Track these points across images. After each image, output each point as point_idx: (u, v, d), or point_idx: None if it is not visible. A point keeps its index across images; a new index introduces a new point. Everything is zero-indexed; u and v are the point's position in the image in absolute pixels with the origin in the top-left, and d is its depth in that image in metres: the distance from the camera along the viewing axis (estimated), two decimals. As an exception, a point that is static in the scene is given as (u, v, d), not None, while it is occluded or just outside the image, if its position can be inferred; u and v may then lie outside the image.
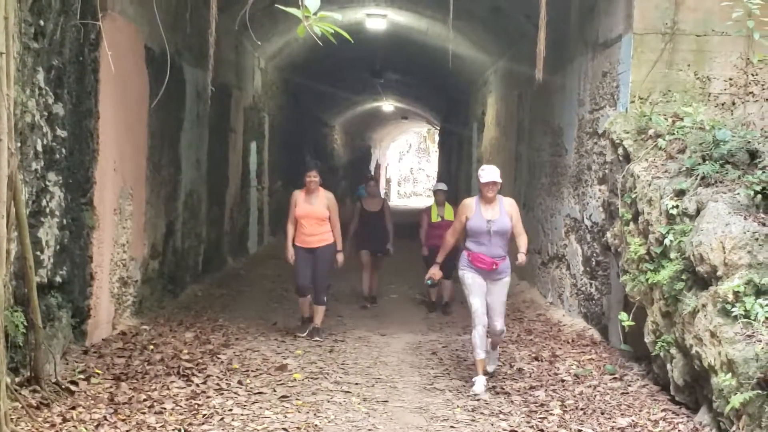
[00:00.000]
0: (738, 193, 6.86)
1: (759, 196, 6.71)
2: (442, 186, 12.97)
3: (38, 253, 7.08)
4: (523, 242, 8.40)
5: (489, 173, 8.14)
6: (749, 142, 7.50)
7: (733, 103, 8.95)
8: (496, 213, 8.14)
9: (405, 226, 17.31)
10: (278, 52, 19.14)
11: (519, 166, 15.29)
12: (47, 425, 6.11)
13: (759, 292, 6.16)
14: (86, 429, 6.17)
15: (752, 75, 8.94)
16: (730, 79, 8.95)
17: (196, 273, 13.14)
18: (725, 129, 7.65)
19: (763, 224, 6.52)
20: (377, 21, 17.78)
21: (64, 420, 6.27)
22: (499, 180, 8.14)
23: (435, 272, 8.71)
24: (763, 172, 6.91)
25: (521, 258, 8.38)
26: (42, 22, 7.00)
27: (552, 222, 12.43)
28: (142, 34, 9.76)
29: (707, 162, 7.36)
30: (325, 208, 10.20)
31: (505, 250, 8.29)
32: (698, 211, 7.00)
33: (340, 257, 10.46)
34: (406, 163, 57.57)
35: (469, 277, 8.21)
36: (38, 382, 6.64)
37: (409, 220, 17.92)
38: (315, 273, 10.14)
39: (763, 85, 8.92)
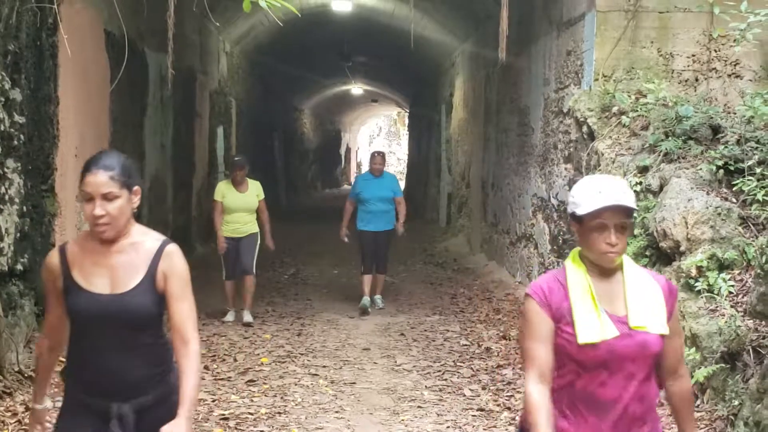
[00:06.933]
0: (700, 169, 6.89)
1: (721, 171, 6.75)
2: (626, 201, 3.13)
3: (-2, 240, 6.98)
4: None
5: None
6: (712, 117, 7.53)
7: (696, 80, 8.97)
8: None
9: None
10: (244, 36, 18.99)
11: (487, 147, 15.28)
12: (9, 414, 6.04)
13: (722, 266, 6.19)
14: (50, 418, 6.10)
15: (715, 51, 8.95)
16: (693, 55, 8.96)
17: (164, 259, 13.02)
18: (688, 105, 7.69)
19: (726, 199, 6.55)
20: (343, 3, 17.65)
21: (27, 409, 6.18)
22: None
23: None
24: (726, 147, 6.94)
25: None
26: (-4, 6, 6.88)
27: (519, 201, 12.44)
28: (102, 18, 9.61)
29: (670, 138, 7.39)
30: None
31: None
32: (661, 187, 7.02)
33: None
34: (377, 147, 57.51)
35: None
36: (0, 371, 6.56)
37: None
38: None
39: (725, 60, 8.94)
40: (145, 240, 3.45)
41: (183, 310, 3.40)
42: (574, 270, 3.19)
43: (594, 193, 3.09)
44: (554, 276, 3.23)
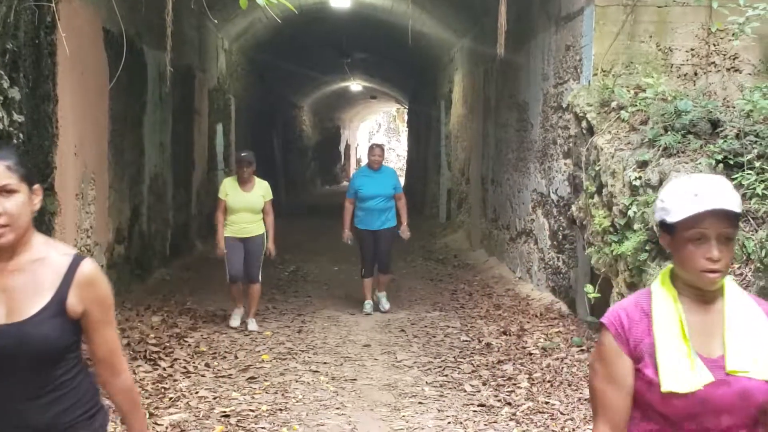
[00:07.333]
0: (700, 163, 6.87)
1: (720, 165, 6.73)
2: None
3: (-2, 239, 6.96)
4: None
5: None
6: (711, 111, 7.52)
7: (695, 74, 8.97)
8: None
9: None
10: (243, 33, 18.98)
11: (486, 143, 15.28)
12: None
13: (721, 260, 6.19)
14: None
15: (713, 45, 8.95)
16: (692, 49, 8.96)
17: (164, 257, 13.05)
18: (687, 99, 7.67)
19: (725, 193, 6.53)
20: (341, -1, 17.67)
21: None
22: None
23: None
24: (725, 142, 6.93)
25: None
26: (-6, 5, 6.87)
27: (519, 197, 12.44)
28: (100, 16, 9.61)
29: (669, 133, 7.37)
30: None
31: None
32: (661, 182, 7.01)
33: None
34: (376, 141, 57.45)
35: None
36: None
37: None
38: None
39: (724, 54, 8.94)
40: (49, 254, 2.74)
41: (109, 338, 2.82)
42: (662, 296, 2.54)
43: (690, 195, 2.44)
44: (637, 301, 2.58)
